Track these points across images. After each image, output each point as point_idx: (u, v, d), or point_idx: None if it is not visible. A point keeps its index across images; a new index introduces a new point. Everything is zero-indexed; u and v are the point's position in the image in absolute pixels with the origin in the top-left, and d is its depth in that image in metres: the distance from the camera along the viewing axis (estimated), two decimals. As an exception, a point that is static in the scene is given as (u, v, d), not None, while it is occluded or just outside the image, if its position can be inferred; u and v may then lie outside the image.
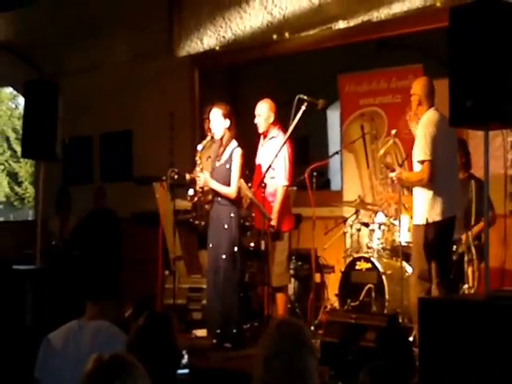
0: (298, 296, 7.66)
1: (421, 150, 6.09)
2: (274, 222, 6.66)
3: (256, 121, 7.01)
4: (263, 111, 6.99)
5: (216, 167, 6.79)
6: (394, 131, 6.78)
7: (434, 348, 4.42)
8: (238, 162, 6.67)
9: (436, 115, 6.15)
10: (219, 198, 6.71)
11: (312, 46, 9.35)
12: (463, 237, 6.72)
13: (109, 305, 4.07)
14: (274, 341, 2.87)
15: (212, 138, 6.86)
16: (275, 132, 6.98)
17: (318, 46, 9.31)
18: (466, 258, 6.70)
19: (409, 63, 8.59)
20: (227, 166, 6.70)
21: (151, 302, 7.63)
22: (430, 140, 6.04)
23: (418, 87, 6.31)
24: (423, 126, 6.15)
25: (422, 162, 6.09)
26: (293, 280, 7.59)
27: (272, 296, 6.84)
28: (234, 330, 6.54)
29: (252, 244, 7.01)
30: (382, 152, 6.67)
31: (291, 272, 7.56)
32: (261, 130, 7.02)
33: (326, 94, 9.35)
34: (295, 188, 7.73)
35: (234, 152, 6.70)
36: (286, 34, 9.32)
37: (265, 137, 7.07)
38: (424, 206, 6.06)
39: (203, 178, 6.75)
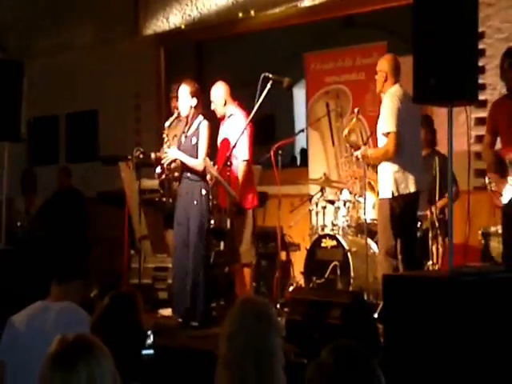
0: (264, 274, 7.67)
1: (386, 122, 6.12)
2: (237, 198, 6.67)
3: (212, 107, 6.97)
4: (217, 97, 6.95)
5: (182, 143, 6.79)
6: (356, 109, 6.78)
7: (398, 324, 4.46)
8: (205, 133, 6.68)
9: (400, 90, 6.19)
10: (189, 174, 6.70)
11: (278, 24, 9.36)
12: (427, 213, 6.78)
13: (74, 286, 4.04)
14: (237, 318, 2.87)
15: (179, 115, 6.84)
16: (233, 109, 6.96)
17: (284, 23, 9.32)
18: (430, 235, 6.77)
19: (374, 41, 8.61)
20: (193, 141, 6.70)
21: (117, 281, 7.62)
22: (394, 112, 6.07)
23: (383, 64, 6.32)
24: (387, 99, 6.18)
25: (386, 135, 6.12)
26: (259, 258, 7.60)
27: (238, 274, 6.86)
28: (201, 308, 6.56)
29: (216, 223, 6.99)
30: (346, 131, 6.68)
31: (257, 250, 7.57)
32: (218, 114, 7.00)
33: (293, 71, 9.37)
34: (260, 166, 7.73)
35: (201, 124, 6.71)
36: (252, 12, 9.29)
37: (223, 118, 7.06)
38: (390, 180, 6.09)
39: (171, 153, 6.73)
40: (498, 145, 5.99)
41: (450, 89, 4.51)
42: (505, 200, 5.69)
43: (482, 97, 7.14)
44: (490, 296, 4.40)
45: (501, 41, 7.21)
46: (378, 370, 2.34)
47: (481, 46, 7.09)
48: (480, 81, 6.91)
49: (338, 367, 2.27)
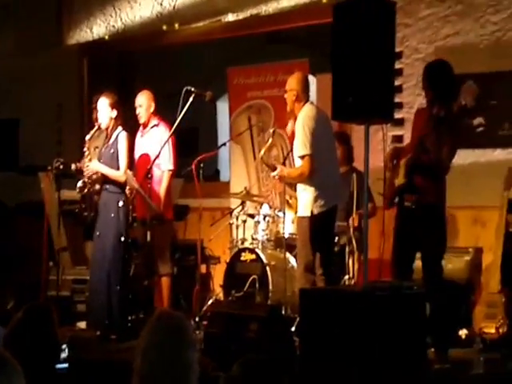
0: (184, 287, 7.66)
1: (300, 145, 6.16)
2: (160, 208, 6.68)
3: (137, 112, 7.00)
4: (144, 102, 6.99)
5: (102, 153, 6.78)
6: (271, 129, 6.85)
7: (314, 338, 4.54)
8: (124, 144, 6.71)
9: (313, 110, 6.23)
10: (107, 186, 6.70)
11: (202, 38, 9.40)
12: (345, 228, 6.89)
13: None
14: (152, 332, 2.87)
15: (99, 127, 6.82)
16: (156, 121, 7.01)
17: (208, 37, 9.37)
18: (347, 250, 6.88)
19: (296, 57, 8.72)
20: (111, 151, 6.70)
21: (34, 293, 7.52)
22: (309, 134, 6.10)
23: (294, 82, 6.34)
24: (302, 121, 6.19)
25: (302, 157, 6.18)
26: (178, 271, 7.59)
27: (157, 287, 6.85)
28: (118, 322, 6.53)
29: (135, 235, 6.98)
30: (262, 153, 6.74)
31: (177, 263, 7.58)
32: (142, 120, 7.03)
33: (217, 85, 9.44)
34: (182, 179, 7.75)
35: (119, 135, 6.73)
36: (176, 25, 9.32)
37: (144, 127, 7.06)
38: (308, 199, 6.14)
39: (92, 166, 6.71)
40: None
41: (366, 107, 4.62)
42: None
43: (398, 115, 7.31)
44: (401, 310, 4.51)
45: (418, 60, 7.39)
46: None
47: (398, 66, 7.26)
48: (397, 100, 7.11)
49: (246, 381, 2.31)
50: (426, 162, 5.50)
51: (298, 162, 6.26)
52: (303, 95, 6.29)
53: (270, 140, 6.77)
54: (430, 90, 5.68)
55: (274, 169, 6.42)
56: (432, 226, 5.57)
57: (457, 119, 5.81)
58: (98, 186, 6.80)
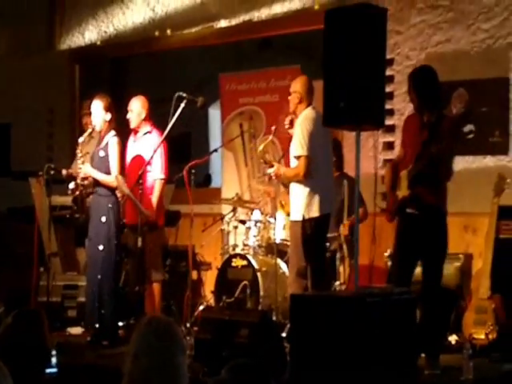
0: (175, 293, 7.65)
1: (297, 146, 6.18)
2: (152, 216, 6.67)
3: (128, 116, 6.99)
4: (135, 107, 6.97)
5: (93, 156, 6.80)
6: (273, 127, 6.83)
7: (305, 343, 4.54)
8: (116, 149, 6.70)
9: (314, 113, 6.24)
10: (98, 189, 6.70)
11: (194, 44, 9.44)
12: (335, 234, 6.89)
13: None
14: (142, 337, 2.87)
15: (93, 130, 6.82)
16: (148, 127, 6.98)
17: (200, 43, 9.40)
18: (338, 255, 6.89)
19: (289, 63, 8.74)
20: (101, 154, 6.71)
21: (24, 299, 7.50)
22: (307, 136, 6.13)
23: (298, 85, 6.38)
24: (301, 122, 6.22)
25: (298, 158, 6.19)
26: (170, 277, 7.59)
27: (148, 293, 6.84)
28: (109, 327, 6.52)
29: (126, 240, 6.97)
30: (261, 147, 6.73)
31: (168, 269, 7.57)
32: (132, 125, 6.99)
33: (209, 91, 9.45)
34: (173, 185, 7.74)
35: (110, 140, 6.73)
36: (168, 31, 9.34)
37: (136, 133, 7.05)
38: (301, 202, 6.15)
39: (84, 169, 6.71)
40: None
41: (357, 113, 4.64)
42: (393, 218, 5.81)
43: (390, 122, 7.34)
44: (392, 316, 4.52)
45: (409, 67, 7.38)
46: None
47: (389, 73, 7.29)
48: (388, 106, 7.15)
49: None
50: (434, 153, 5.42)
51: (294, 163, 6.27)
52: (307, 98, 6.33)
53: (271, 137, 6.77)
54: (416, 98, 5.69)
55: (271, 166, 6.43)
56: (434, 229, 5.57)
57: (453, 122, 5.79)
58: (90, 190, 6.80)
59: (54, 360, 3.63)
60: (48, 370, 3.48)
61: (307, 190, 6.16)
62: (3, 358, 2.51)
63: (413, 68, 6.31)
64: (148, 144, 6.86)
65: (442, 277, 5.68)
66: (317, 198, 6.14)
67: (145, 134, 6.99)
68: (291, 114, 6.44)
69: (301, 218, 6.13)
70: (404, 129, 5.95)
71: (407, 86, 5.81)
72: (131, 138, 7.09)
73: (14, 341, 3.28)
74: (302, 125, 6.22)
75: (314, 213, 6.13)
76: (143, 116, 6.95)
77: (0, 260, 8.36)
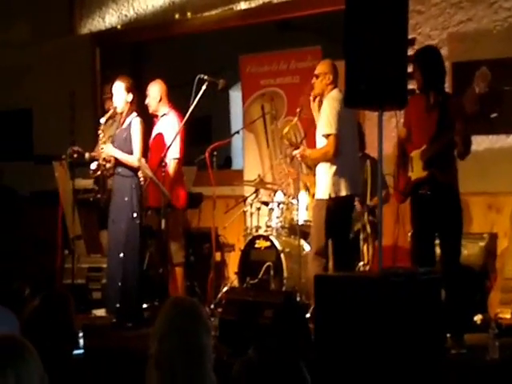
0: (198, 275, 7.69)
1: (326, 125, 6.17)
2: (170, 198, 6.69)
3: (146, 101, 7.01)
4: (153, 92, 7.01)
5: (115, 137, 6.80)
6: (298, 109, 6.80)
7: (329, 324, 4.53)
8: (139, 130, 6.69)
9: (340, 95, 6.21)
10: (120, 169, 6.69)
11: (214, 26, 9.39)
12: (359, 214, 6.89)
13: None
14: (167, 319, 2.89)
15: (114, 111, 6.83)
16: (166, 109, 7.01)
17: (220, 26, 9.35)
18: (361, 236, 6.89)
19: (309, 45, 8.70)
20: (124, 135, 6.70)
21: (50, 281, 7.57)
22: (335, 115, 6.13)
23: (326, 67, 6.37)
24: (329, 102, 6.23)
25: (327, 136, 6.18)
26: (193, 259, 7.62)
27: (171, 275, 6.87)
28: (133, 309, 6.56)
29: (150, 222, 6.99)
30: (286, 129, 6.72)
31: (189, 251, 7.60)
32: (150, 109, 7.06)
33: (230, 73, 9.42)
34: (195, 167, 7.76)
35: (133, 121, 6.72)
36: (188, 14, 9.32)
37: (157, 117, 7.08)
38: (327, 181, 6.15)
39: (106, 149, 6.72)
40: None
41: (379, 94, 4.61)
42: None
43: (412, 102, 7.28)
44: (416, 296, 4.51)
45: (431, 47, 7.36)
46: (304, 370, 2.39)
47: (411, 53, 7.22)
48: (410, 86, 7.07)
49: (262, 364, 2.33)
50: (451, 135, 5.41)
51: (321, 143, 6.26)
52: (335, 79, 6.32)
53: (295, 119, 6.76)
54: (421, 77, 5.68)
55: (297, 147, 6.42)
56: (449, 207, 5.56)
57: (459, 102, 5.75)
58: (111, 172, 6.81)
59: (80, 342, 3.67)
60: (75, 352, 3.51)
61: (334, 168, 6.16)
62: (31, 340, 2.53)
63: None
64: (165, 126, 6.88)
65: (461, 255, 5.68)
66: (343, 178, 6.15)
67: (162, 115, 7.01)
68: (316, 95, 6.41)
69: (327, 197, 6.14)
70: (406, 109, 5.92)
71: (412, 66, 5.78)
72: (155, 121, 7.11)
73: (43, 323, 3.30)
74: (330, 104, 6.22)
75: (340, 192, 6.13)
76: (161, 99, 6.97)
77: (24, 244, 8.44)
